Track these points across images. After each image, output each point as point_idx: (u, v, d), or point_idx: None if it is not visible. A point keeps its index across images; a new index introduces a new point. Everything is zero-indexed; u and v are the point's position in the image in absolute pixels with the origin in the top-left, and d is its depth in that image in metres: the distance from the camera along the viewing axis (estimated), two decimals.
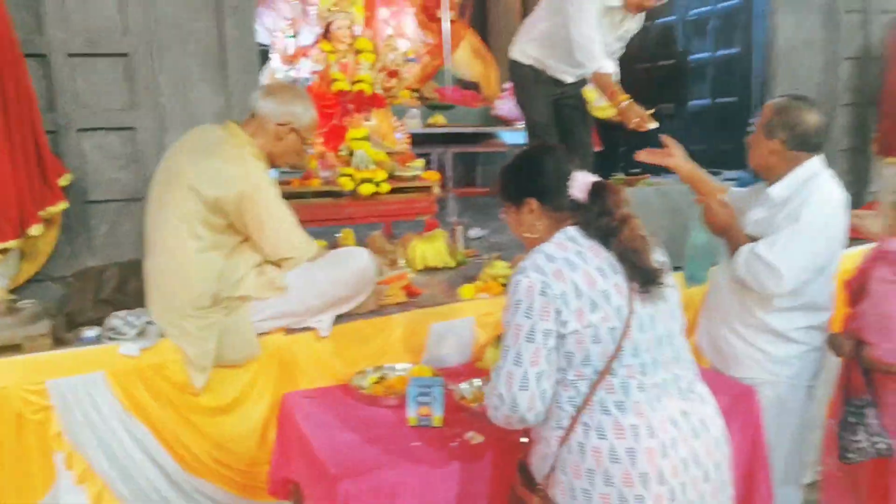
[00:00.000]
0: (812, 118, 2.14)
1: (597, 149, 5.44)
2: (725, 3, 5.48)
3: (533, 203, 1.72)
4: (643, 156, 2.51)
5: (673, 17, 6.02)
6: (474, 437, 1.97)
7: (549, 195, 1.70)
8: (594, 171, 3.33)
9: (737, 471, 2.04)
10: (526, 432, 1.77)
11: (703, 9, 5.74)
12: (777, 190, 2.18)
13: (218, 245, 2.20)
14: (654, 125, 3.06)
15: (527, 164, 1.79)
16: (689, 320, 2.49)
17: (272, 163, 2.30)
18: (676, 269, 2.79)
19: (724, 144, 5.12)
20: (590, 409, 1.55)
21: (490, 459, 1.91)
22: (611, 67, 3.19)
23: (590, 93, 3.54)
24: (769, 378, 2.28)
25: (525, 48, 3.48)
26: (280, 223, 2.24)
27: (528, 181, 1.74)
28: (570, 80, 3.51)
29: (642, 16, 3.41)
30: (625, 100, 3.06)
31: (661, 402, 1.58)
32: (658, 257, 1.67)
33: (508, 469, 1.87)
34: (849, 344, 2.22)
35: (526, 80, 3.51)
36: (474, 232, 3.99)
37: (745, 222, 2.28)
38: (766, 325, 2.25)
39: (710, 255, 2.59)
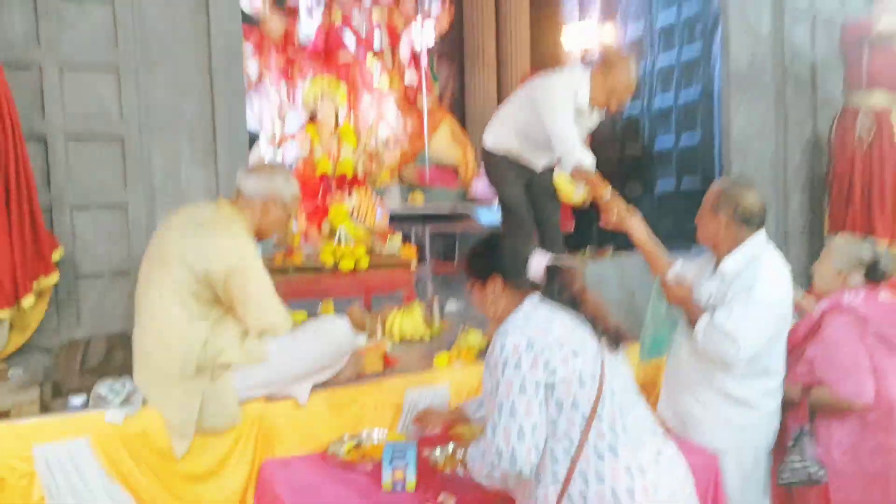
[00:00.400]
0: (752, 197, 2.36)
1: (570, 230, 5.72)
2: (686, 96, 5.85)
3: (498, 280, 1.89)
4: (606, 219, 2.73)
5: (638, 110, 6.39)
6: (447, 500, 2.04)
7: (512, 274, 1.88)
8: (564, 249, 3.55)
9: None
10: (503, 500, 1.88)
11: (666, 101, 6.11)
12: (728, 264, 2.36)
13: (204, 316, 2.31)
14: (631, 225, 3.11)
15: (492, 245, 1.97)
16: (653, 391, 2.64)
17: (259, 236, 2.45)
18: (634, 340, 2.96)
19: (689, 224, 5.35)
20: (585, 457, 1.68)
21: None
22: (591, 161, 3.33)
23: (560, 179, 3.75)
24: (732, 444, 2.39)
25: (498, 137, 3.68)
26: (263, 296, 2.35)
27: (494, 261, 1.92)
28: (540, 167, 3.74)
29: (602, 111, 3.65)
30: (607, 192, 3.06)
31: (643, 442, 1.75)
32: (616, 322, 1.86)
33: None
34: (797, 389, 2.46)
35: (500, 166, 3.69)
36: (450, 306, 4.12)
37: (698, 294, 2.44)
38: (726, 392, 2.38)
39: (669, 326, 2.75)
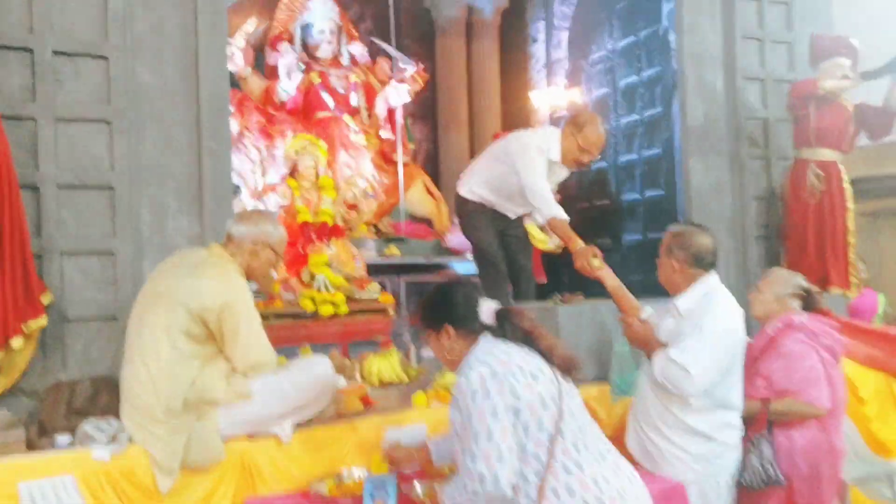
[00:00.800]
0: (703, 240, 2.56)
1: (543, 280, 5.90)
2: (649, 152, 6.14)
3: (449, 329, 2.04)
4: (579, 265, 2.96)
5: (605, 164, 6.67)
6: None
7: (462, 321, 2.04)
8: (534, 294, 3.75)
9: None
10: None
11: (631, 157, 6.40)
12: (681, 302, 2.55)
13: (195, 355, 2.40)
14: (601, 271, 3.20)
15: (441, 297, 2.14)
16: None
17: (249, 277, 2.57)
18: (603, 378, 3.11)
19: (655, 275, 5.57)
20: (554, 474, 1.81)
21: None
22: (564, 214, 3.54)
23: (532, 227, 3.95)
24: (693, 476, 2.51)
25: (473, 188, 3.89)
26: (252, 334, 2.46)
27: (444, 311, 2.08)
28: (512, 216, 3.93)
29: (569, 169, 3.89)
30: (578, 242, 3.34)
31: (603, 457, 1.91)
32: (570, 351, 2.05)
33: None
34: (756, 404, 2.66)
35: (474, 214, 3.90)
36: (427, 352, 4.22)
37: (657, 334, 2.61)
38: (686, 425, 2.51)
39: (633, 366, 2.90)
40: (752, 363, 2.75)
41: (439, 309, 2.10)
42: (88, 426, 2.40)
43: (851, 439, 3.85)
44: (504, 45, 8.24)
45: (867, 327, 4.21)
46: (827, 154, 4.33)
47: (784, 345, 2.73)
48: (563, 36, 7.47)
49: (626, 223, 6.38)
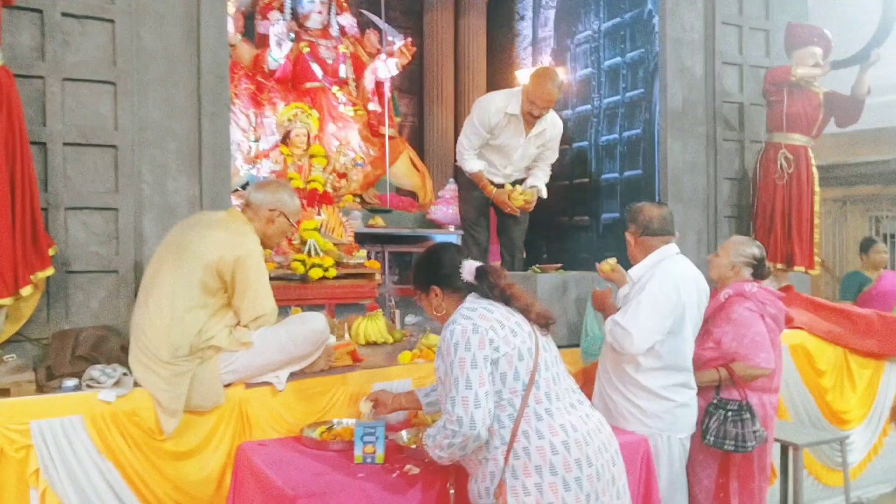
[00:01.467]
0: (651, 210, 2.79)
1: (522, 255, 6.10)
2: (629, 132, 6.31)
3: (437, 289, 2.24)
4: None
5: (586, 143, 6.84)
6: (411, 469, 2.32)
7: (447, 281, 2.23)
8: (523, 265, 3.99)
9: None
10: (451, 481, 2.16)
11: (612, 136, 6.57)
12: (634, 271, 2.78)
13: (205, 305, 2.56)
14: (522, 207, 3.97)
15: (428, 261, 2.33)
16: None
17: (264, 243, 2.73)
18: (576, 344, 3.31)
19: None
20: (526, 419, 1.99)
21: (424, 485, 2.26)
22: (475, 167, 4.07)
23: (509, 187, 4.21)
24: (645, 431, 2.73)
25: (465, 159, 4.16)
26: (260, 288, 2.63)
27: (431, 273, 2.28)
28: (498, 180, 4.15)
29: (554, 123, 4.10)
30: (493, 190, 3.99)
31: (574, 406, 2.09)
32: (546, 309, 2.21)
33: (440, 492, 2.23)
34: (723, 373, 2.90)
35: (464, 186, 4.15)
36: (410, 318, 4.41)
37: (616, 299, 2.83)
38: (639, 384, 2.74)
39: (599, 332, 3.11)
40: (703, 326, 2.97)
41: (427, 271, 2.29)
42: (95, 371, 2.54)
43: (808, 408, 4.14)
44: (491, 21, 8.33)
45: (828, 304, 4.47)
46: (797, 139, 4.54)
47: (734, 311, 2.95)
48: (550, 14, 7.58)
49: (604, 201, 6.56)
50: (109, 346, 2.76)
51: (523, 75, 7.76)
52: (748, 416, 2.81)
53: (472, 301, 2.16)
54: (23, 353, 2.78)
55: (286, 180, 4.21)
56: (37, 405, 2.40)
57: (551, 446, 1.98)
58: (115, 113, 3.03)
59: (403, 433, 2.62)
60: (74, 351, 2.69)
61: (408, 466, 2.33)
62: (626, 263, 2.94)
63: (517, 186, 4.22)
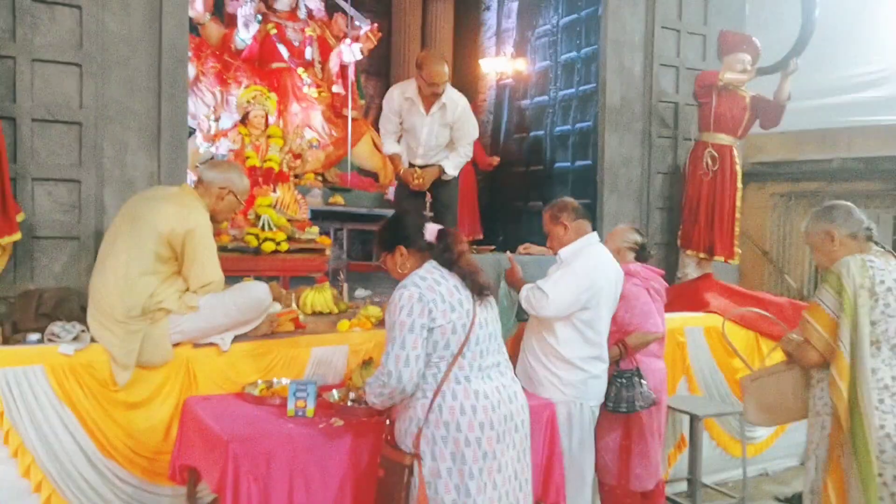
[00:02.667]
0: (573, 201, 3.16)
1: (479, 236, 6.45)
2: (581, 124, 6.66)
3: (402, 249, 2.52)
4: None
5: (542, 132, 7.17)
6: (336, 422, 2.63)
7: (411, 241, 2.51)
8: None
9: (537, 460, 2.80)
10: (389, 414, 2.49)
11: (565, 127, 6.91)
12: (563, 252, 3.11)
13: (156, 272, 2.85)
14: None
15: (394, 223, 2.62)
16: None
17: (213, 218, 3.00)
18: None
19: None
20: (448, 382, 2.32)
21: (348, 436, 2.57)
22: (391, 149, 4.50)
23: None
24: (561, 398, 3.08)
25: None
26: (208, 258, 2.91)
27: (397, 233, 2.55)
28: (419, 162, 4.51)
29: (455, 101, 4.42)
30: (401, 169, 4.44)
31: (491, 378, 2.41)
32: (486, 279, 2.50)
33: (361, 441, 2.56)
34: (617, 348, 3.26)
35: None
36: (360, 293, 4.71)
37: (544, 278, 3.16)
38: (559, 355, 3.08)
39: (512, 308, 3.45)
40: None
41: (392, 232, 2.56)
42: (56, 327, 2.83)
43: (718, 386, 4.54)
44: (458, 9, 8.60)
45: (743, 291, 4.87)
46: (723, 138, 4.91)
47: (624, 288, 3.30)
48: (514, 6, 7.88)
49: (556, 188, 6.91)
50: (70, 306, 3.03)
51: (487, 64, 8.06)
52: (636, 379, 3.19)
53: (427, 269, 2.43)
54: None
55: (240, 160, 4.49)
56: (2, 355, 2.68)
57: (461, 407, 2.31)
58: (80, 92, 3.29)
59: (334, 391, 2.94)
60: (38, 309, 2.97)
61: (333, 419, 2.65)
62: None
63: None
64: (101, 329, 2.80)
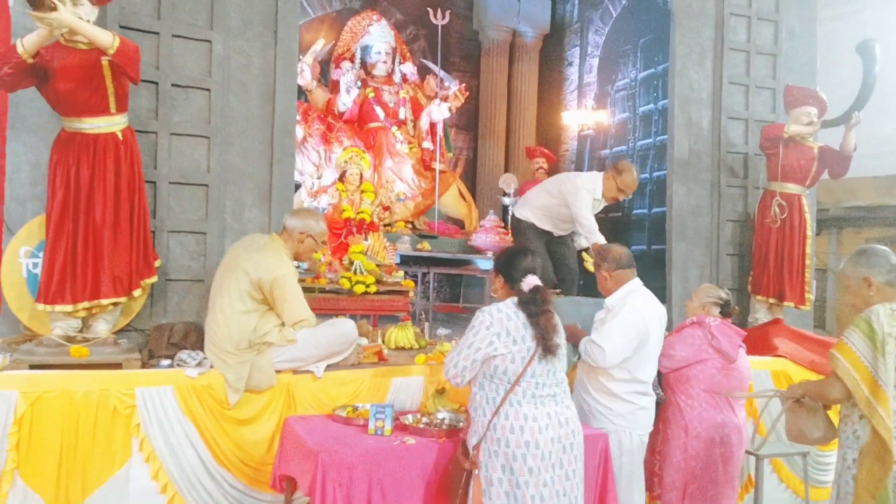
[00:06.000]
0: (618, 248, 3.47)
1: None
2: (658, 173, 6.93)
3: (502, 278, 2.96)
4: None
5: None
6: (408, 440, 3.06)
7: (511, 280, 2.93)
8: (577, 289, 4.73)
9: (590, 484, 3.11)
10: (467, 421, 2.93)
11: (643, 175, 7.19)
12: (609, 300, 3.42)
13: (255, 310, 3.40)
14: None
15: (510, 257, 3.00)
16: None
17: (296, 259, 3.55)
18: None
19: (655, 283, 6.38)
20: (504, 405, 2.73)
21: (417, 452, 2.99)
22: (604, 239, 4.78)
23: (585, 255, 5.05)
24: (612, 427, 3.38)
25: (526, 212, 5.16)
26: (295, 300, 3.44)
27: (505, 266, 2.97)
28: (556, 233, 5.14)
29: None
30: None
31: (544, 405, 2.78)
32: (559, 340, 2.86)
33: (428, 458, 2.97)
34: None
35: (526, 230, 5.08)
36: (441, 331, 5.16)
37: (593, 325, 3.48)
38: (609, 391, 3.38)
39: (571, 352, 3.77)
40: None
41: (504, 263, 2.98)
42: (183, 354, 3.42)
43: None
44: (542, 66, 9.10)
45: (813, 336, 4.96)
46: (791, 187, 5.08)
47: (684, 329, 3.59)
48: (594, 62, 8.29)
49: (633, 234, 7.20)
50: (194, 337, 3.64)
51: (569, 116, 8.47)
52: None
53: (507, 304, 2.84)
54: (131, 339, 3.68)
55: (338, 213, 5.08)
56: (140, 377, 3.27)
57: (511, 427, 2.71)
58: (207, 159, 3.96)
59: (409, 416, 3.37)
60: (169, 339, 3.58)
61: (406, 438, 3.07)
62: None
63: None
64: (216, 359, 3.36)
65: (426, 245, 6.46)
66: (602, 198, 4.93)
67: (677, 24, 5.26)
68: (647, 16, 7.18)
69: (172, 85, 3.87)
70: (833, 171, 5.08)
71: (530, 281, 2.85)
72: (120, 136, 3.40)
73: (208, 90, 3.94)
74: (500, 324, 2.76)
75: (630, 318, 3.31)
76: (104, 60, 3.23)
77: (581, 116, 8.21)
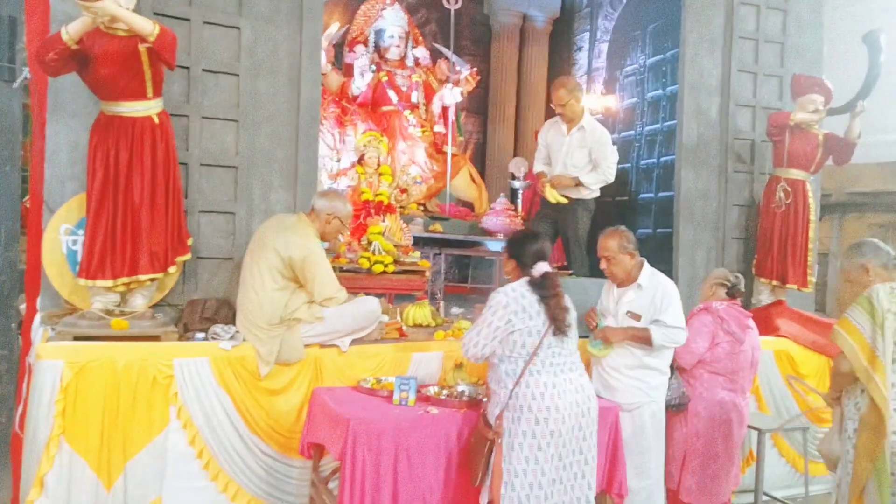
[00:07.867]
0: (627, 231, 3.61)
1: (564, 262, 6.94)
2: (665, 157, 7.06)
3: (514, 262, 3.15)
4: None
5: (629, 165, 7.62)
6: (432, 410, 3.25)
7: (522, 263, 3.13)
8: (584, 255, 4.72)
9: (601, 457, 3.29)
10: (487, 394, 3.12)
11: (650, 160, 7.34)
12: (642, 280, 3.56)
13: (286, 287, 3.57)
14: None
15: (520, 242, 3.19)
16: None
17: (323, 239, 3.72)
18: (584, 336, 4.12)
19: (662, 266, 6.54)
20: (524, 375, 2.92)
21: (441, 421, 3.18)
22: (538, 168, 5.09)
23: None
24: (647, 400, 3.56)
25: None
26: (325, 277, 3.62)
27: (518, 249, 3.16)
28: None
29: (593, 127, 4.98)
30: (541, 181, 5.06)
31: (561, 373, 2.98)
32: (570, 321, 3.05)
33: (451, 427, 3.16)
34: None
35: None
36: (455, 309, 5.35)
37: (619, 307, 3.62)
38: (645, 364, 3.55)
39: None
40: None
41: (516, 247, 3.17)
42: (216, 328, 3.60)
43: (787, 406, 4.83)
44: (552, 51, 9.20)
45: (815, 317, 5.14)
46: (796, 174, 5.23)
47: (692, 320, 3.75)
48: (604, 48, 8.39)
49: (639, 218, 7.35)
50: (226, 312, 3.82)
51: None
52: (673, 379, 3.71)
53: (521, 283, 3.03)
54: (165, 314, 3.85)
55: (357, 194, 5.25)
56: (178, 349, 3.46)
57: (532, 394, 2.90)
58: (236, 142, 4.11)
59: (431, 388, 3.55)
60: (202, 314, 3.77)
61: (430, 408, 3.26)
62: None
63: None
64: (249, 333, 3.54)
65: (438, 227, 6.63)
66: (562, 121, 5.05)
67: (689, 13, 5.39)
68: (656, 2, 7.28)
69: (203, 70, 4.02)
70: (837, 157, 5.22)
71: (540, 268, 3.04)
72: (156, 120, 3.55)
73: (237, 75, 4.09)
74: (515, 302, 2.95)
75: (676, 293, 3.52)
76: (142, 47, 3.37)
77: (590, 101, 8.32)
